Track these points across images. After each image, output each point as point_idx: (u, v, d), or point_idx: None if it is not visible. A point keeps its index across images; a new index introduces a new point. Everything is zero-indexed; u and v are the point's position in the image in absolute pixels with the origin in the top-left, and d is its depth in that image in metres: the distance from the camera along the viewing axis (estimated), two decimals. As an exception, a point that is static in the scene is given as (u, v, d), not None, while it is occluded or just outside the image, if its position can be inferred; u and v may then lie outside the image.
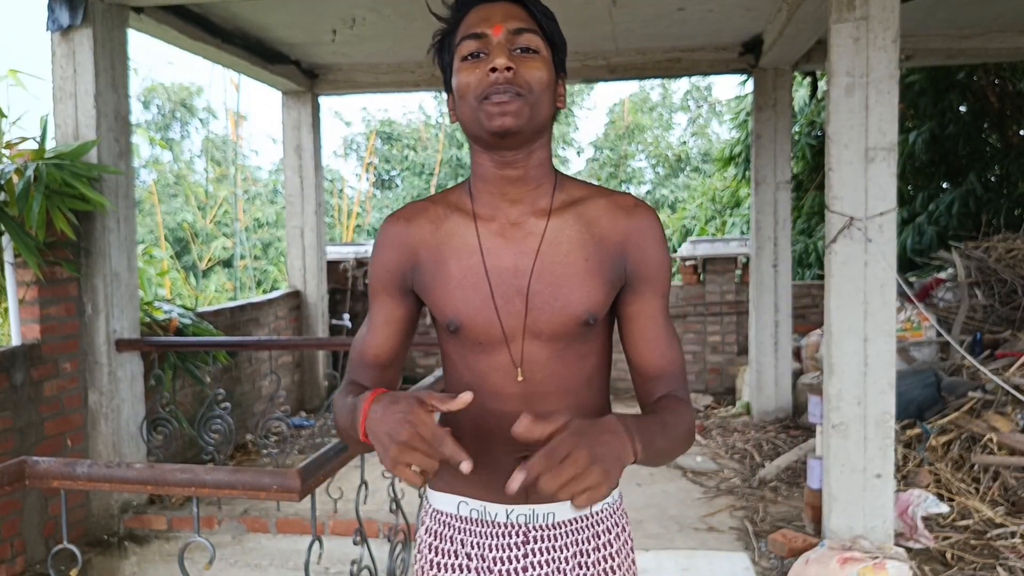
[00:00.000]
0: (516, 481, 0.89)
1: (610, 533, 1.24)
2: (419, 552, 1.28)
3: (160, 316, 4.17)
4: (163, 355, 4.01)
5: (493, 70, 1.06)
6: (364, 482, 2.30)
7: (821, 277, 6.90)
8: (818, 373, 5.24)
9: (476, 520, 1.22)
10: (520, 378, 1.15)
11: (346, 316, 6.75)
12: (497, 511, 1.20)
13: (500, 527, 1.20)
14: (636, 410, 1.24)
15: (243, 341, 4.71)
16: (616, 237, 1.15)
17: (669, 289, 1.19)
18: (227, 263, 10.99)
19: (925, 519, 3.33)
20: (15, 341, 3.38)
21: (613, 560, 1.23)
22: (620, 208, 1.16)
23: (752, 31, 5.01)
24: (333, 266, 6.73)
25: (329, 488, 3.41)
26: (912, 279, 6.20)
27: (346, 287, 6.93)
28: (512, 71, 1.06)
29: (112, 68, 3.66)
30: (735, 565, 3.24)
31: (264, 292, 9.68)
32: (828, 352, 3.19)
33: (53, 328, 3.45)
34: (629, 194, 1.20)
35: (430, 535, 1.26)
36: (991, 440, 3.81)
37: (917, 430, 4.10)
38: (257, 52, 5.10)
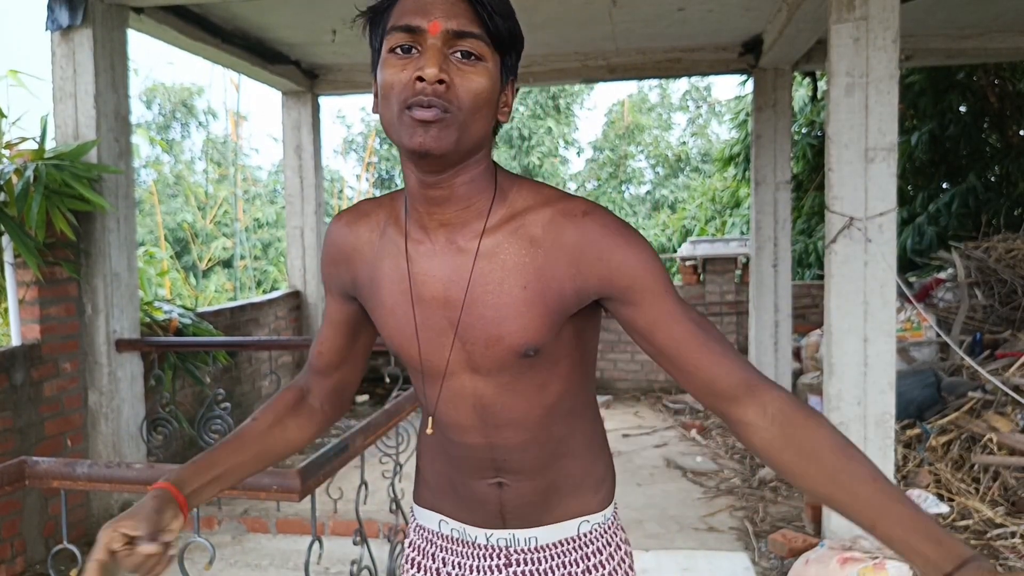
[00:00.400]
0: None
1: (601, 554, 1.15)
2: (405, 562, 1.25)
3: (160, 316, 4.17)
4: (163, 355, 4.01)
5: (421, 79, 0.89)
6: (364, 482, 2.30)
7: (821, 277, 6.90)
8: (818, 373, 5.24)
9: (457, 540, 1.17)
10: (429, 430, 1.09)
11: (346, 316, 6.74)
12: (476, 534, 1.15)
13: (481, 548, 1.16)
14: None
15: (243, 341, 4.70)
16: (566, 252, 0.97)
17: (670, 283, 0.99)
18: (227, 263, 11.00)
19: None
20: (15, 341, 3.38)
21: None
22: (567, 219, 0.98)
23: (752, 31, 5.01)
24: (333, 266, 6.73)
25: (329, 488, 3.41)
26: (912, 279, 6.20)
27: (346, 287, 6.92)
28: (444, 84, 0.89)
29: (112, 68, 3.66)
30: (735, 565, 3.24)
31: (264, 292, 9.67)
32: (828, 352, 3.19)
33: (53, 328, 3.45)
34: (580, 200, 1.00)
35: (413, 549, 1.23)
36: (991, 440, 3.81)
37: (917, 430, 4.10)
38: (257, 52, 5.10)
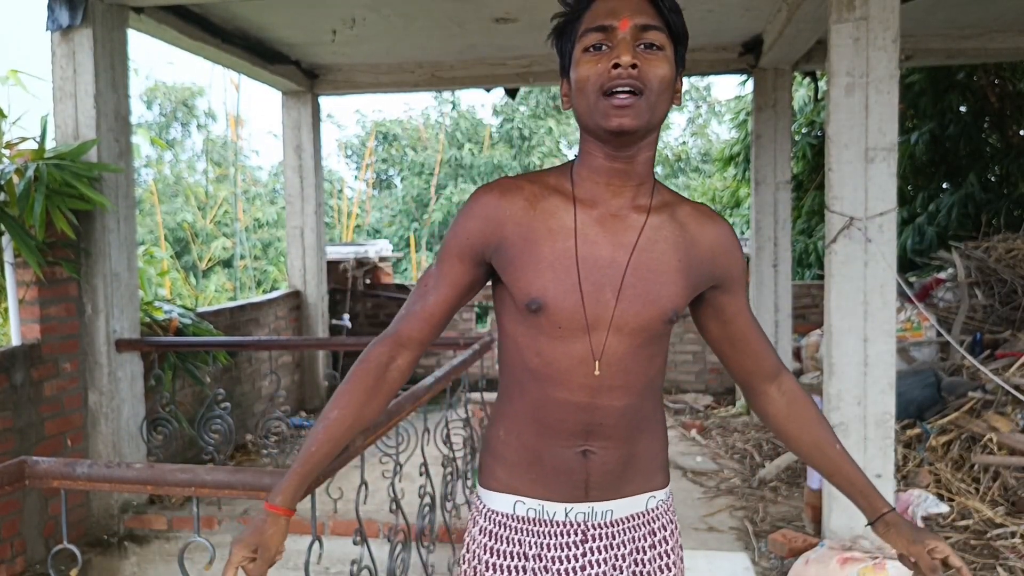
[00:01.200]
0: None
1: (665, 530, 1.26)
2: (469, 552, 1.27)
3: (160, 316, 4.17)
4: (163, 355, 4.00)
5: (616, 66, 1.05)
6: (364, 482, 2.30)
7: (821, 277, 6.90)
8: (818, 373, 5.24)
9: (533, 520, 1.21)
10: (597, 372, 1.15)
11: (346, 316, 6.75)
12: (555, 510, 1.20)
13: (559, 526, 1.20)
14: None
15: (243, 341, 4.70)
16: (706, 243, 1.19)
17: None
18: (227, 263, 10.99)
19: (925, 519, 3.33)
20: (15, 341, 3.37)
21: (668, 557, 1.25)
22: (705, 215, 1.21)
23: (752, 31, 5.00)
24: (333, 266, 6.73)
25: (329, 488, 3.41)
26: (912, 279, 6.20)
27: (346, 287, 6.93)
28: (636, 68, 1.06)
29: (112, 68, 3.65)
30: (735, 565, 3.24)
31: (264, 292, 9.67)
32: (828, 352, 3.19)
33: (53, 328, 3.45)
34: (702, 203, 1.26)
35: (485, 535, 1.25)
36: (991, 440, 3.81)
37: (917, 430, 4.10)
38: (257, 52, 5.10)
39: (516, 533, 1.22)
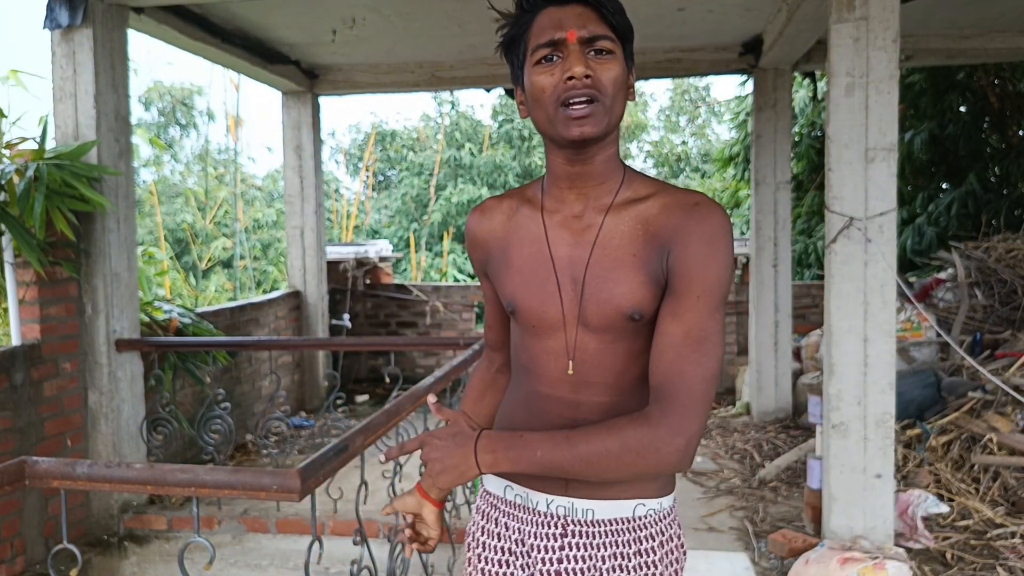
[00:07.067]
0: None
1: (654, 540, 1.21)
2: (468, 533, 1.35)
3: (160, 316, 4.17)
4: (163, 355, 4.00)
5: (571, 78, 1.08)
6: (364, 482, 2.30)
7: (821, 277, 6.90)
8: (818, 373, 5.24)
9: (520, 505, 1.26)
10: (571, 371, 1.19)
11: (346, 316, 6.75)
12: (538, 499, 1.23)
13: (541, 515, 1.23)
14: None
15: (243, 341, 4.70)
16: (665, 233, 1.12)
17: (711, 294, 1.09)
18: (227, 263, 10.99)
19: (925, 519, 3.33)
20: (15, 341, 3.37)
21: (655, 568, 1.20)
22: (679, 205, 1.13)
23: (752, 31, 5.01)
24: (333, 266, 6.73)
25: (329, 488, 3.41)
26: (912, 279, 6.20)
27: (346, 287, 6.93)
28: (590, 78, 1.08)
29: (112, 68, 3.66)
30: (735, 565, 3.24)
31: (264, 292, 9.67)
32: (828, 352, 3.19)
33: (53, 328, 3.45)
34: (698, 193, 1.16)
35: (479, 515, 1.33)
36: (991, 440, 3.81)
37: (917, 430, 4.10)
38: (257, 52, 5.10)
39: (504, 516, 1.28)
